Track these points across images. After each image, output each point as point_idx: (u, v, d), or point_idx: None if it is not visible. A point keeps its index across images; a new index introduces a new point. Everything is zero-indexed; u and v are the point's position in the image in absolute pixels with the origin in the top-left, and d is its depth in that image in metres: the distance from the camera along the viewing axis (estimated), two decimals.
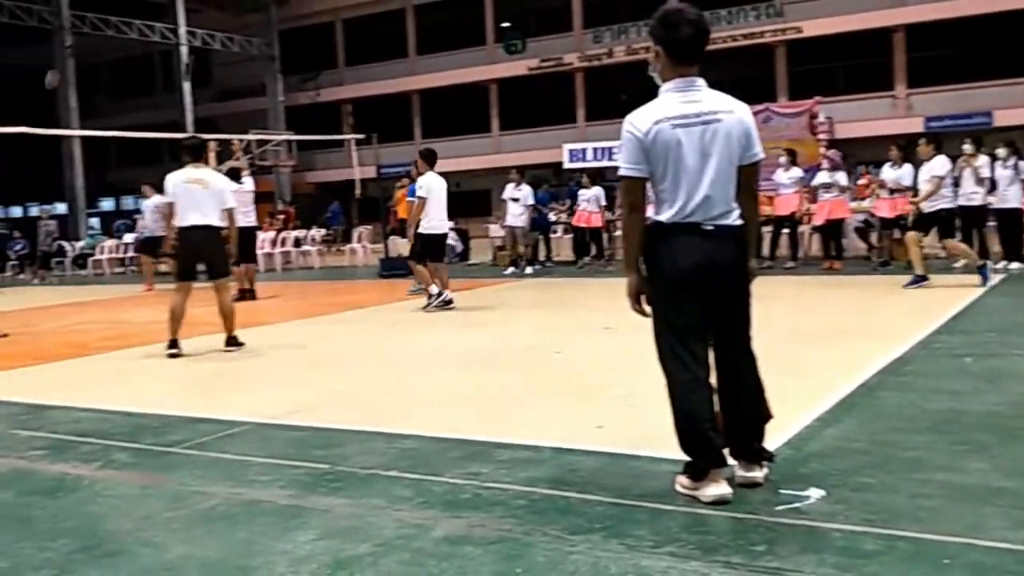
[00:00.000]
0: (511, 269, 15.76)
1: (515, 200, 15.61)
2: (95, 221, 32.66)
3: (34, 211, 32.06)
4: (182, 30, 34.67)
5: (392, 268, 16.30)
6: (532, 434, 4.60)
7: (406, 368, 7.10)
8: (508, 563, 3.02)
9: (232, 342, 8.16)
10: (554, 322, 9.35)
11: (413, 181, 12.23)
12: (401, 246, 18.81)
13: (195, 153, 8.23)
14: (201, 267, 8.27)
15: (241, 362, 7.72)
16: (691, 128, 3.48)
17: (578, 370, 6.57)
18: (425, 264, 10.62)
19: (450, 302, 10.42)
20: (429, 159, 10.86)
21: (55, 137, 29.92)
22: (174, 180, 7.99)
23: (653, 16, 3.58)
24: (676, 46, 3.53)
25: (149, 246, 16.56)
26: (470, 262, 18.80)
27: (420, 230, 10.56)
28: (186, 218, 7.92)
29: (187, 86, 34.79)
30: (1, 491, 4.14)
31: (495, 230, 18.95)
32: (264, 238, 22.08)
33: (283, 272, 20.19)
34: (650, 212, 3.60)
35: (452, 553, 3.12)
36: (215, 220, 8.04)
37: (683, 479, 3.61)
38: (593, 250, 16.38)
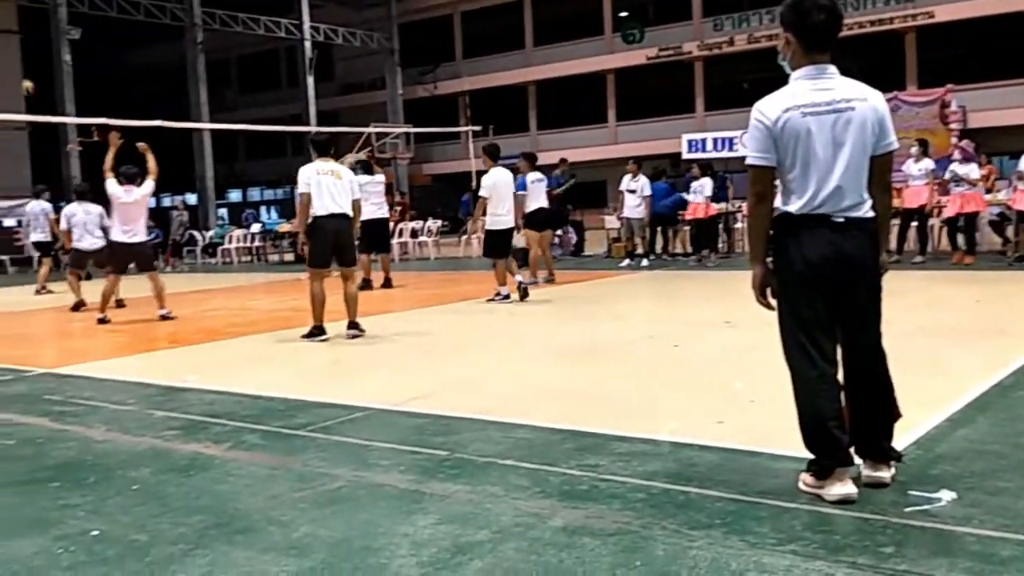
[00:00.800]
0: (627, 261, 15.63)
1: (631, 192, 15.46)
2: (223, 211, 33.90)
3: (167, 202, 33.42)
4: (306, 25, 35.59)
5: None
6: (649, 428, 4.57)
7: (522, 358, 7.15)
8: (627, 555, 3.01)
9: (353, 327, 8.34)
10: (672, 315, 9.25)
11: (519, 174, 12.35)
12: (515, 237, 18.93)
13: (324, 148, 8.43)
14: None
15: (361, 349, 7.90)
16: (822, 116, 3.38)
17: (697, 364, 6.50)
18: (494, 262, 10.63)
19: (507, 297, 10.42)
20: (492, 154, 10.79)
21: (187, 130, 31.15)
22: (309, 171, 8.21)
23: (784, 2, 3.50)
24: (808, 32, 3.44)
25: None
26: (585, 254, 18.74)
27: (487, 226, 10.56)
28: (323, 207, 8.12)
29: (310, 80, 35.71)
30: (139, 468, 4.35)
31: (611, 222, 18.83)
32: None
33: (400, 262, 20.57)
34: (778, 203, 3.52)
35: (570, 543, 3.13)
36: (348, 210, 8.26)
37: (807, 477, 3.53)
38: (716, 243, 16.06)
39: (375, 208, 12.72)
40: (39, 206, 16.78)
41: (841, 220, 3.40)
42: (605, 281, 13.39)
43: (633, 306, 10.64)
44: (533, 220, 12.55)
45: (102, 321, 10.23)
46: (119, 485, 4.09)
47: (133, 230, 10.36)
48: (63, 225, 12.97)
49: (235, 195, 41.42)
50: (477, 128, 30.73)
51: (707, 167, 16.23)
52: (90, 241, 12.50)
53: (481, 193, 10.50)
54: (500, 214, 10.63)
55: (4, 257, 24.83)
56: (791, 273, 3.46)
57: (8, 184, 30.11)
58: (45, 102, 28.69)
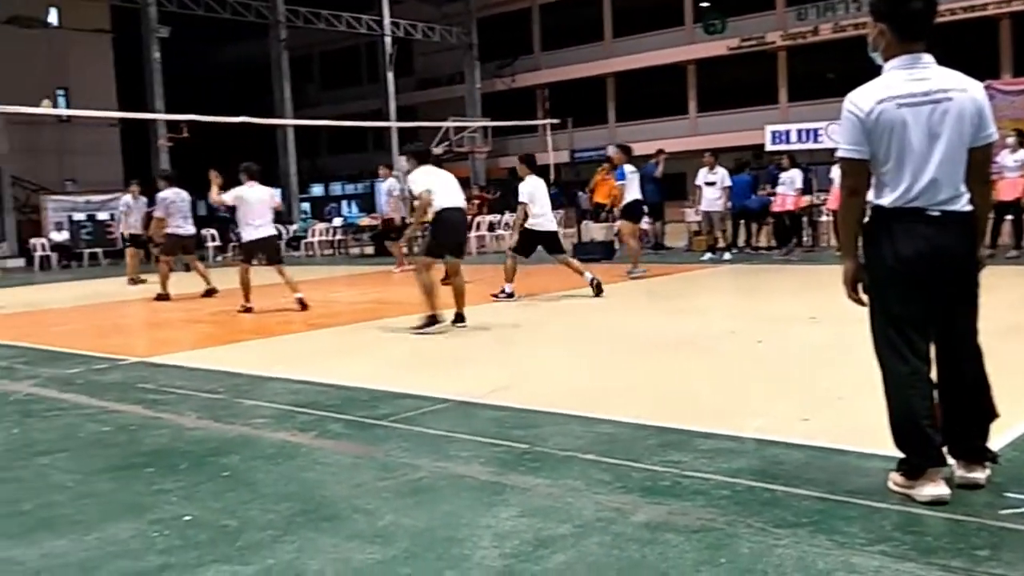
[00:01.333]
0: (708, 255, 15.45)
1: (710, 184, 15.25)
2: (306, 206, 34.46)
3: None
4: (386, 22, 35.95)
5: (586, 252, 16.34)
6: (734, 424, 4.51)
7: (603, 352, 7.13)
8: (711, 552, 2.98)
9: (460, 319, 8.52)
10: (755, 310, 9.12)
11: (614, 167, 12.40)
12: (595, 230, 18.88)
13: (422, 158, 8.70)
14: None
15: (440, 342, 7.96)
16: (918, 107, 3.29)
17: (781, 360, 6.39)
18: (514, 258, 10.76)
19: (511, 295, 10.52)
20: (530, 164, 10.91)
21: (271, 126, 31.78)
22: (422, 174, 8.47)
23: None
24: (903, 21, 3.34)
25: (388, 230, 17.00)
26: (665, 247, 18.58)
27: (526, 226, 10.67)
28: (448, 199, 8.37)
29: (390, 76, 36.07)
30: (229, 455, 4.47)
31: (691, 214, 18.64)
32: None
33: (477, 255, 20.66)
34: (870, 196, 3.44)
35: (653, 539, 3.11)
36: (463, 204, 8.58)
37: (897, 476, 3.45)
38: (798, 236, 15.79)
39: None
40: (133, 199, 17.05)
41: (937, 214, 3.30)
42: (686, 275, 13.26)
43: (715, 300, 10.53)
44: (630, 211, 12.66)
45: (247, 310, 10.51)
46: (210, 471, 4.21)
47: (260, 224, 10.59)
48: (158, 212, 13.33)
49: (317, 189, 42.12)
50: (555, 121, 30.70)
51: (794, 158, 15.91)
52: (186, 227, 12.90)
53: (522, 199, 10.54)
54: (540, 215, 10.76)
55: (98, 249, 25.67)
56: (883, 268, 3.37)
57: (101, 178, 31.17)
58: (135, 99, 29.59)
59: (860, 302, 3.49)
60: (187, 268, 14.25)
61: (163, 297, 12.47)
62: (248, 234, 10.71)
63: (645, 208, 13.90)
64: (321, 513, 3.56)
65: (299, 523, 3.46)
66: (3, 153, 27.01)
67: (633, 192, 12.67)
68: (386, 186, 17.14)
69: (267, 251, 10.94)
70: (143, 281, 15.55)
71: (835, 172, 14.76)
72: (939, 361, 3.42)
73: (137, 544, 3.32)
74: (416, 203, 8.64)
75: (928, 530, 3.10)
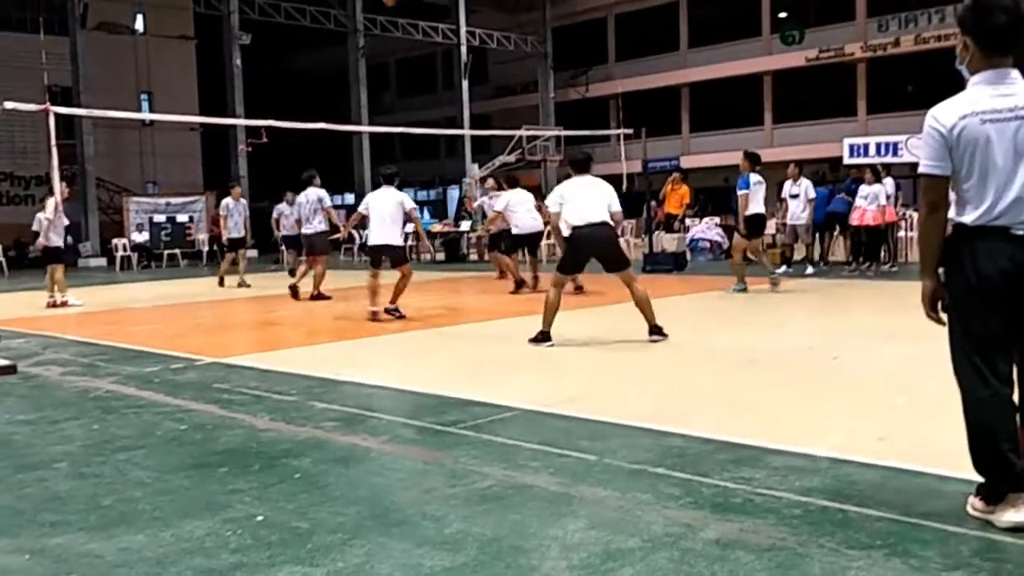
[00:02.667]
0: (783, 268, 15.18)
1: (794, 197, 14.96)
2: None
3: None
4: (462, 30, 36.24)
5: (656, 263, 16.23)
6: (807, 441, 4.44)
7: (675, 364, 7.07)
8: (782, 572, 2.93)
9: (655, 331, 8.05)
10: (831, 325, 8.96)
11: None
12: (666, 241, 18.73)
13: (583, 167, 8.53)
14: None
15: (510, 350, 7.98)
16: (1004, 123, 3.21)
17: (857, 377, 6.26)
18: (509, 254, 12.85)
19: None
20: (510, 181, 11.88)
21: (347, 132, 32.24)
22: (562, 188, 8.41)
23: (963, 2, 3.33)
24: (988, 35, 3.26)
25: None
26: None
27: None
28: (578, 217, 8.09)
29: (465, 84, 36.33)
30: (301, 457, 4.54)
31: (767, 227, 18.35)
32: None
33: (547, 264, 20.66)
34: (952, 213, 3.36)
35: (723, 556, 3.08)
36: (606, 217, 8.16)
37: (976, 501, 3.35)
38: (882, 253, 15.31)
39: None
40: (235, 203, 16.38)
41: (1021, 232, 3.21)
42: (762, 288, 13.06)
43: (791, 314, 10.36)
44: (752, 224, 12.15)
45: (391, 312, 10.31)
46: (282, 473, 4.28)
47: (383, 231, 10.50)
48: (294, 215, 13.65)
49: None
50: (629, 131, 30.56)
51: (878, 172, 15.29)
52: (312, 227, 13.24)
53: (497, 207, 10.58)
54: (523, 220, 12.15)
55: (176, 250, 26.32)
56: (964, 287, 3.29)
57: (182, 181, 31.99)
58: (216, 104, 30.32)
59: (939, 321, 3.40)
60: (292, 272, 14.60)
61: (321, 296, 12.79)
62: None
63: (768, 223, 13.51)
64: (390, 518, 3.59)
65: (368, 527, 3.49)
66: (89, 155, 27.85)
67: (757, 204, 12.11)
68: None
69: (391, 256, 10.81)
70: (248, 285, 15.70)
71: None
72: (1021, 383, 3.31)
73: (211, 542, 3.39)
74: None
75: (1008, 557, 3.01)
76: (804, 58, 34.64)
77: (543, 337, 8.00)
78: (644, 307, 8.11)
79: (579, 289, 12.36)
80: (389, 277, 10.46)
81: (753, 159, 12.26)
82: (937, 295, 3.39)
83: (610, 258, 8.26)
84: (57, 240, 13.42)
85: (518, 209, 13.50)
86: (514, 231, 13.68)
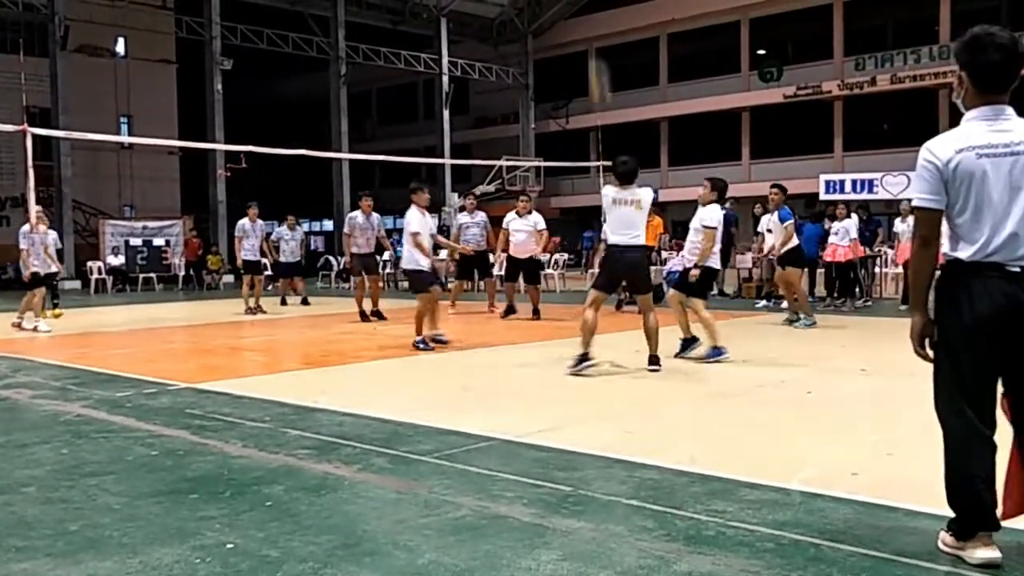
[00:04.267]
0: (763, 303, 15.26)
1: (771, 232, 15.04)
2: None
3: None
4: (444, 60, 36.49)
5: (632, 300, 16.26)
6: (780, 475, 4.45)
7: (648, 398, 7.08)
8: None
9: (654, 361, 8.07)
10: (805, 359, 8.99)
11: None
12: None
13: (628, 178, 8.29)
14: None
15: (486, 379, 7.96)
16: (999, 159, 3.23)
17: (831, 411, 6.29)
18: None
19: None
20: (417, 194, 10.41)
21: (327, 159, 32.24)
22: (608, 193, 8.19)
23: (960, 39, 3.37)
24: (982, 72, 3.28)
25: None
26: (713, 293, 18.41)
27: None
28: (615, 235, 8.04)
29: (446, 113, 36.53)
30: (272, 485, 4.50)
31: (742, 260, 18.48)
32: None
33: (525, 294, 20.66)
34: (945, 248, 3.36)
35: None
36: (643, 239, 8.13)
37: (947, 537, 3.36)
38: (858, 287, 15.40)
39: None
40: (252, 225, 15.75)
41: (1016, 270, 3.21)
42: (736, 322, 13.13)
43: (764, 348, 10.39)
44: (795, 257, 12.20)
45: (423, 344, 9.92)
46: (253, 500, 4.23)
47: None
48: (346, 229, 13.75)
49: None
50: (607, 163, 30.77)
51: (849, 208, 15.45)
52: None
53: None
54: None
55: (152, 274, 26.15)
56: (957, 325, 3.27)
57: (160, 205, 31.85)
58: (196, 128, 30.28)
59: (927, 358, 3.39)
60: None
61: (375, 315, 13.29)
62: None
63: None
64: (362, 548, 3.56)
65: (340, 556, 3.46)
66: (66, 177, 27.69)
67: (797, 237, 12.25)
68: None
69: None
70: (264, 311, 15.23)
71: (899, 225, 14.60)
72: (1016, 423, 3.32)
73: (180, 570, 3.35)
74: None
75: None
76: (782, 95, 35.10)
77: (583, 359, 7.86)
78: (651, 336, 8.11)
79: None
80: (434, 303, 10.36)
81: (783, 191, 12.31)
82: (926, 331, 3.37)
83: (639, 281, 8.44)
84: (37, 265, 13.22)
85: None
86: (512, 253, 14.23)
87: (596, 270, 10.08)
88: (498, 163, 30.38)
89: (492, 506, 4.07)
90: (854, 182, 20.82)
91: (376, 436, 5.52)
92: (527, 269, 14.29)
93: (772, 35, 36.37)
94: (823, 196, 21.35)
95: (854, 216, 15.20)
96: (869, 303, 15.18)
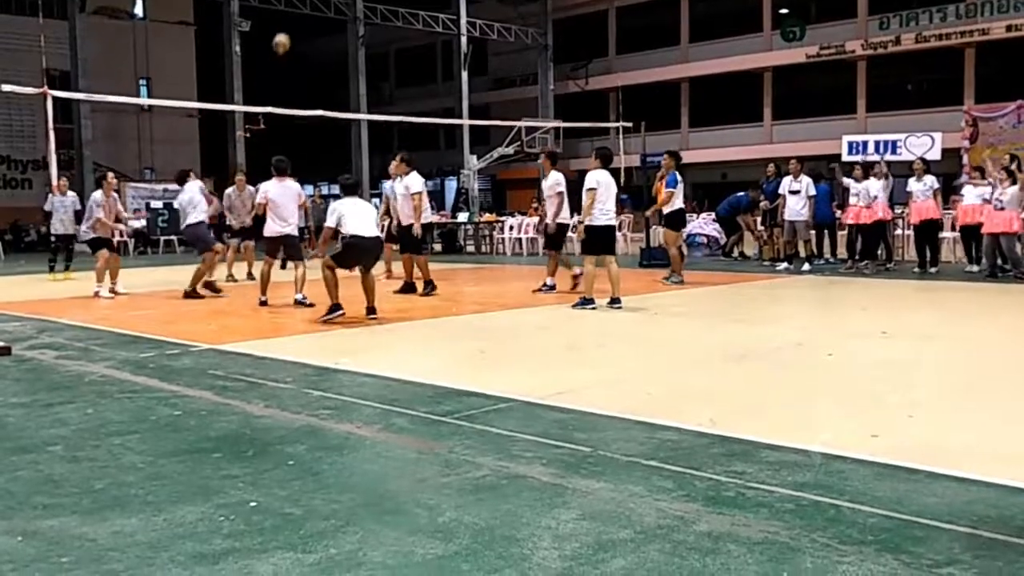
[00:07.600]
0: (784, 265, 15.17)
1: (794, 193, 14.93)
2: (377, 201, 34.77)
3: (324, 190, 34.67)
4: (463, 21, 36.17)
5: (652, 258, 16.24)
6: (800, 437, 4.44)
7: (668, 359, 7.08)
8: (773, 565, 2.94)
9: (616, 301, 9.72)
10: (827, 323, 8.97)
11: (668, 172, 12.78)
12: (661, 235, 18.70)
13: (606, 162, 10.10)
14: None
15: (506, 342, 7.99)
16: None
17: (851, 374, 6.27)
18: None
19: (552, 288, 11.73)
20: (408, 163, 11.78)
21: (345, 121, 32.15)
22: (595, 176, 9.86)
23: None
24: None
25: None
26: (734, 256, 18.36)
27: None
28: (601, 212, 9.74)
29: (464, 75, 36.28)
30: (295, 444, 4.54)
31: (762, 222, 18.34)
32: (529, 223, 22.70)
33: (542, 256, 20.64)
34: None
35: (715, 549, 3.08)
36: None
37: None
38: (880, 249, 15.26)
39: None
40: (237, 193, 15.89)
41: None
42: (760, 284, 13.09)
43: (785, 311, 10.37)
44: (673, 220, 13.29)
45: (263, 304, 10.76)
46: (276, 459, 4.28)
47: (286, 221, 10.78)
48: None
49: (388, 185, 42.62)
50: (628, 124, 30.52)
51: (868, 168, 15.30)
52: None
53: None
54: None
55: (173, 236, 26.24)
56: None
57: (178, 167, 31.86)
58: (215, 90, 30.24)
59: None
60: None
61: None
62: (274, 229, 10.84)
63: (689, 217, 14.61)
64: (383, 506, 3.60)
65: (361, 515, 3.50)
66: (87, 140, 27.77)
67: (679, 200, 13.16)
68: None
69: (287, 248, 11.21)
70: (234, 280, 14.89)
71: (912, 184, 14.38)
72: None
73: (204, 527, 3.40)
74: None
75: (998, 555, 3.01)
76: (804, 55, 34.63)
77: (614, 301, 9.64)
78: (614, 281, 9.71)
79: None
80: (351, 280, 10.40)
81: (675, 156, 13.44)
82: None
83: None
84: (60, 227, 13.18)
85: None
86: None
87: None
88: (517, 124, 30.14)
89: (512, 466, 4.09)
90: (877, 143, 20.48)
91: (396, 397, 5.56)
92: (402, 237, 12.32)
93: None
94: (845, 157, 21.01)
95: (872, 179, 14.97)
96: (892, 266, 15.04)
